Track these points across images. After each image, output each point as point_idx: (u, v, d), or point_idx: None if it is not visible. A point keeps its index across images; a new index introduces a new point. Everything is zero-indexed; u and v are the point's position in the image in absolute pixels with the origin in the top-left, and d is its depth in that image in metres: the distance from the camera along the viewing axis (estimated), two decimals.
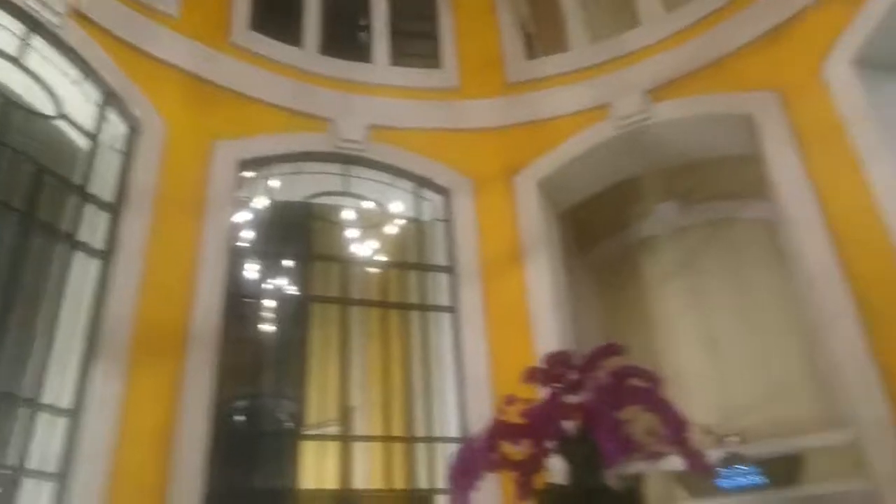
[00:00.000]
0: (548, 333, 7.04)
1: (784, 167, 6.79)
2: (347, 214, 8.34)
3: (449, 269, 7.65)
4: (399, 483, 7.59)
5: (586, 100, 8.00)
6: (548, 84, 8.34)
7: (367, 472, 7.72)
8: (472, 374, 6.87)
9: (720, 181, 8.79)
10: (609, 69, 8.03)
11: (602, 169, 8.19)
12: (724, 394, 8.56)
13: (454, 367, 7.17)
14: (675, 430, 2.16)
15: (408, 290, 8.27)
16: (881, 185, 5.98)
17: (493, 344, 7.01)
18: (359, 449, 7.51)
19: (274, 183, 7.76)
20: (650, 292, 9.68)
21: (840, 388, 6.31)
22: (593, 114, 7.89)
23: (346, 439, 7.35)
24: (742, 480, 7.95)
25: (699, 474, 2.17)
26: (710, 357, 8.89)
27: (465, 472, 2.24)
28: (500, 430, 2.26)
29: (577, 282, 8.98)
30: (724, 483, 7.96)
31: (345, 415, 7.71)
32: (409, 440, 7.58)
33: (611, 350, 2.38)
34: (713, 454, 7.73)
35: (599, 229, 9.85)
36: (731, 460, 7.95)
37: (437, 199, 8.11)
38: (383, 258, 8.31)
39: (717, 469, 7.79)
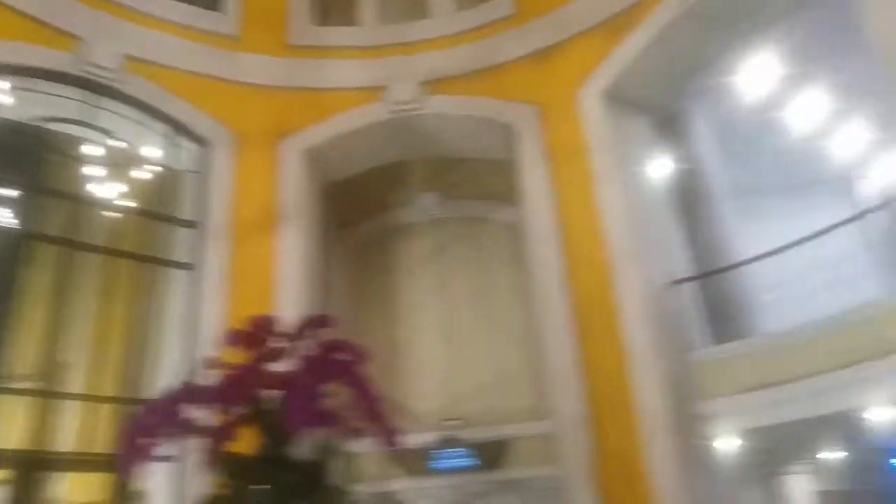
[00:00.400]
0: (292, 303, 6.90)
1: (533, 178, 7.35)
2: (89, 149, 7.48)
3: (194, 225, 7.19)
4: (105, 447, 6.95)
5: (365, 78, 8.00)
6: (330, 54, 8.20)
7: (70, 434, 6.98)
8: (205, 336, 6.52)
9: (479, 181, 9.26)
10: (391, 53, 8.11)
11: (371, 149, 8.26)
12: (453, 380, 9.08)
13: (186, 328, 6.76)
14: (369, 406, 2.17)
15: (146, 242, 7.63)
16: (606, 208, 6.73)
17: (231, 307, 6.72)
18: (63, 408, 6.77)
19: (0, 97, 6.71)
20: (401, 276, 9.96)
21: (549, 385, 7.01)
22: (370, 93, 7.92)
23: (45, 395, 6.59)
24: (455, 462, 8.48)
25: (388, 452, 2.20)
26: (446, 345, 9.38)
27: (141, 437, 2.06)
28: (188, 394, 2.11)
29: (332, 256, 8.96)
30: (438, 464, 8.43)
31: (52, 369, 6.90)
32: (120, 401, 6.97)
33: (321, 321, 2.33)
34: (429, 437, 8.17)
35: (362, 209, 9.91)
36: (448, 443, 8.45)
37: (194, 148, 7.57)
38: (123, 203, 7.57)
39: (426, 450, 8.22)
